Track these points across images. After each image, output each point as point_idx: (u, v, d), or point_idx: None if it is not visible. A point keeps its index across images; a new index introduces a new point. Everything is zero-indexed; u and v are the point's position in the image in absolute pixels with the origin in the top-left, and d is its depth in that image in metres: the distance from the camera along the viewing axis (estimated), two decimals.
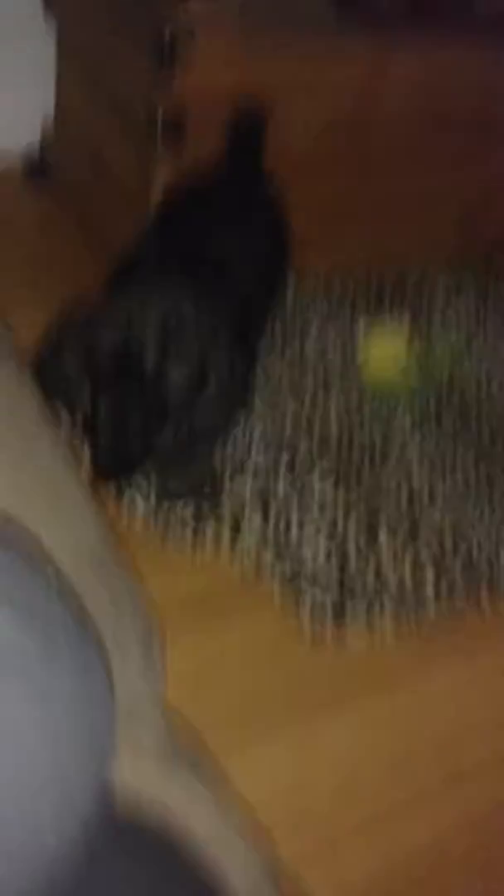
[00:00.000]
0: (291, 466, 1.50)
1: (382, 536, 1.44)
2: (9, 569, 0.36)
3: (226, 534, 1.39)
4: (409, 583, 1.39)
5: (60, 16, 1.81)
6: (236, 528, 1.40)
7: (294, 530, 1.41)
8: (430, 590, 1.39)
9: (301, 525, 1.42)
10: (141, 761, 0.58)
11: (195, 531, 1.38)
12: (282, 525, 1.41)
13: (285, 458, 1.51)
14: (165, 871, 0.45)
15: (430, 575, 1.41)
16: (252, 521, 1.40)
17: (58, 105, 1.96)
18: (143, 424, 1.17)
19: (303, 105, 1.60)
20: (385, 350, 1.72)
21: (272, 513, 1.42)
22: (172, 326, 1.17)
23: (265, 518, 1.41)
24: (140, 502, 1.41)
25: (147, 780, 0.56)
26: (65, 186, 1.96)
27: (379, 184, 1.84)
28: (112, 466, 1.25)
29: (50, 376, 1.17)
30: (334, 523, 1.43)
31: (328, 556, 1.39)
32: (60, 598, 0.38)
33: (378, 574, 1.39)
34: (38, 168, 2.00)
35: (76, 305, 1.25)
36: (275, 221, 1.49)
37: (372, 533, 1.44)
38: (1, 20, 1.86)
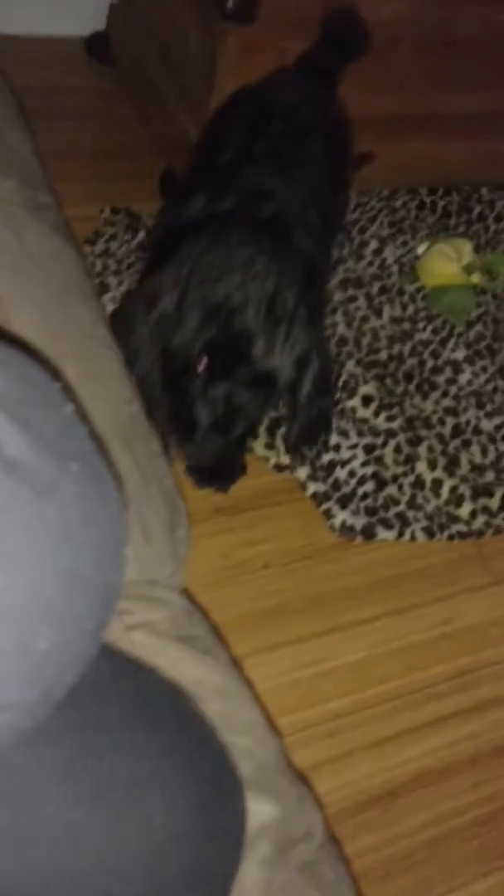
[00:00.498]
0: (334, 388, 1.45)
1: (420, 467, 1.39)
2: (29, 393, 0.33)
3: (260, 448, 1.36)
4: (443, 514, 1.35)
5: None
6: (270, 445, 1.36)
7: (330, 452, 1.37)
8: (462, 525, 1.35)
9: (338, 448, 1.37)
10: (156, 639, 0.56)
11: None
12: (318, 445, 1.36)
13: None
14: (172, 718, 0.43)
15: (466, 508, 1.36)
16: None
17: None
18: (251, 426, 1.06)
19: (382, 2, 1.50)
20: (447, 252, 1.66)
21: None
22: (277, 312, 0.97)
23: None
24: None
25: (161, 657, 0.54)
26: (129, 74, 1.88)
27: (452, 97, 1.74)
28: (216, 476, 1.20)
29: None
30: (371, 448, 1.38)
31: (362, 481, 1.35)
32: (82, 439, 0.35)
33: (412, 505, 1.35)
34: (104, 54, 1.93)
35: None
36: (341, 144, 1.39)
37: (410, 463, 1.39)
38: None
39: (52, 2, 1.90)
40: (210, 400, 0.97)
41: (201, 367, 0.95)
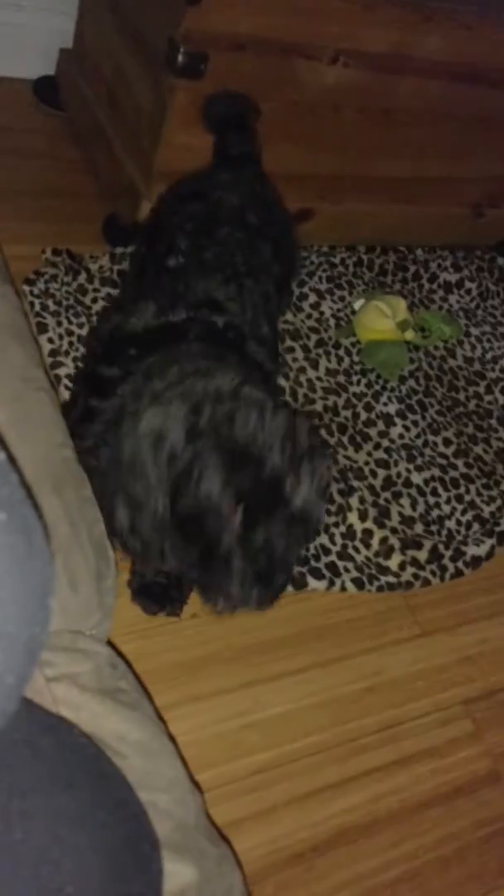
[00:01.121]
0: None
1: (352, 517, 1.41)
2: None
3: None
4: (373, 565, 1.37)
5: None
6: None
7: None
8: (391, 577, 1.37)
9: None
10: (79, 693, 0.55)
11: None
12: None
13: None
14: (90, 779, 0.41)
15: (395, 560, 1.38)
16: None
17: (78, 35, 1.89)
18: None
19: (322, 68, 1.56)
20: (382, 308, 1.71)
21: None
22: (297, 447, 0.88)
23: None
24: None
25: (83, 711, 0.52)
26: (76, 119, 1.90)
27: (391, 162, 1.81)
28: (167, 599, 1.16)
29: None
30: None
31: None
32: (13, 488, 0.34)
33: (342, 555, 1.36)
34: (52, 98, 1.95)
35: None
36: (288, 246, 1.39)
37: (341, 513, 1.41)
38: None
39: (2, 43, 1.91)
40: (250, 549, 0.86)
41: (238, 517, 0.85)
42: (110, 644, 0.66)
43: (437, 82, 1.70)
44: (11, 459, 0.34)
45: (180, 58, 1.42)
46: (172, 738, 0.60)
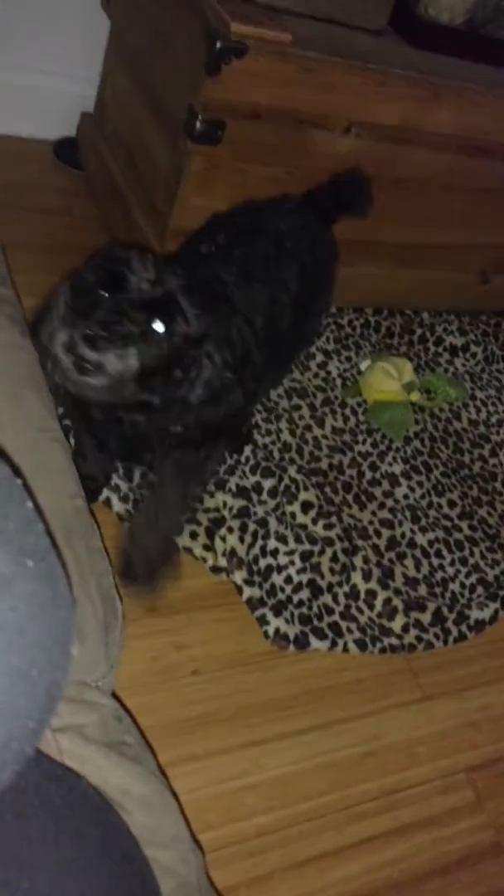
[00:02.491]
0: (274, 493, 1.47)
1: (355, 577, 1.40)
2: None
3: (198, 549, 1.35)
4: (376, 626, 1.36)
5: (117, 13, 1.82)
6: (208, 546, 1.36)
7: (268, 557, 1.37)
8: (394, 639, 1.36)
9: (275, 553, 1.38)
10: (84, 744, 0.54)
11: None
12: (256, 549, 1.37)
13: (269, 483, 1.47)
14: (98, 831, 0.41)
15: (398, 621, 1.37)
16: (227, 540, 1.36)
17: (99, 100, 1.96)
18: None
19: (335, 138, 1.61)
20: (389, 370, 1.73)
21: (248, 535, 1.38)
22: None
23: (241, 540, 1.37)
24: (116, 502, 1.36)
25: (88, 763, 0.52)
26: (94, 178, 1.96)
27: (400, 228, 1.85)
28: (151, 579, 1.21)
29: None
30: (309, 556, 1.39)
31: (298, 588, 1.35)
32: (40, 536, 0.35)
33: (345, 615, 1.35)
34: (71, 158, 2.01)
35: None
36: (320, 277, 1.44)
37: (345, 572, 1.40)
38: (60, 16, 1.89)
39: (26, 106, 1.98)
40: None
41: None
42: (114, 697, 0.66)
43: (446, 154, 1.75)
44: (38, 509, 0.35)
45: (198, 125, 1.47)
46: (175, 795, 0.59)
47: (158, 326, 0.93)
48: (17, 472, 0.36)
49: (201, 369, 1.03)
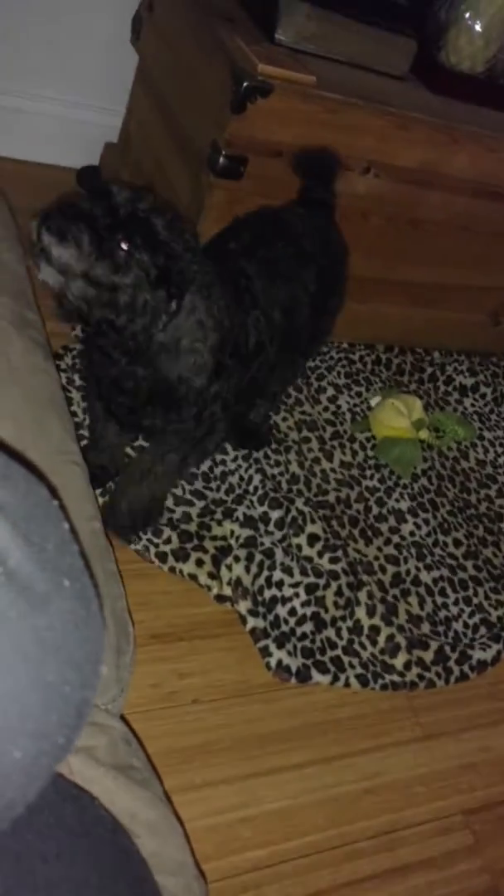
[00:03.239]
0: (281, 524, 1.48)
1: (359, 612, 1.40)
2: (33, 509, 0.34)
3: (203, 577, 1.36)
4: (378, 662, 1.36)
5: (145, 48, 1.87)
6: (214, 575, 1.36)
7: (273, 588, 1.37)
8: (396, 676, 1.36)
9: (280, 584, 1.38)
10: (94, 766, 0.54)
11: (172, 569, 1.35)
12: (262, 580, 1.37)
13: (277, 514, 1.48)
14: (112, 851, 0.41)
15: (401, 659, 1.37)
16: (233, 569, 1.37)
17: (123, 131, 2.00)
18: None
19: (354, 178, 1.64)
20: (398, 407, 1.74)
21: (254, 566, 1.38)
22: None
23: (247, 569, 1.37)
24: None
25: (97, 785, 0.52)
26: None
27: (414, 268, 1.88)
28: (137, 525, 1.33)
29: None
30: (313, 588, 1.39)
31: (302, 620, 1.35)
32: (75, 557, 0.36)
33: (348, 650, 1.35)
34: (95, 188, 2.04)
35: None
36: (333, 274, 1.49)
37: (349, 607, 1.40)
38: (89, 49, 1.94)
39: (52, 134, 2.03)
40: None
41: None
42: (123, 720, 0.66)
43: (462, 198, 1.78)
44: (73, 530, 0.36)
45: (221, 160, 1.51)
46: (181, 821, 0.59)
47: (121, 244, 0.95)
48: (54, 493, 0.37)
49: (176, 316, 1.05)
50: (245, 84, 1.43)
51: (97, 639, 0.34)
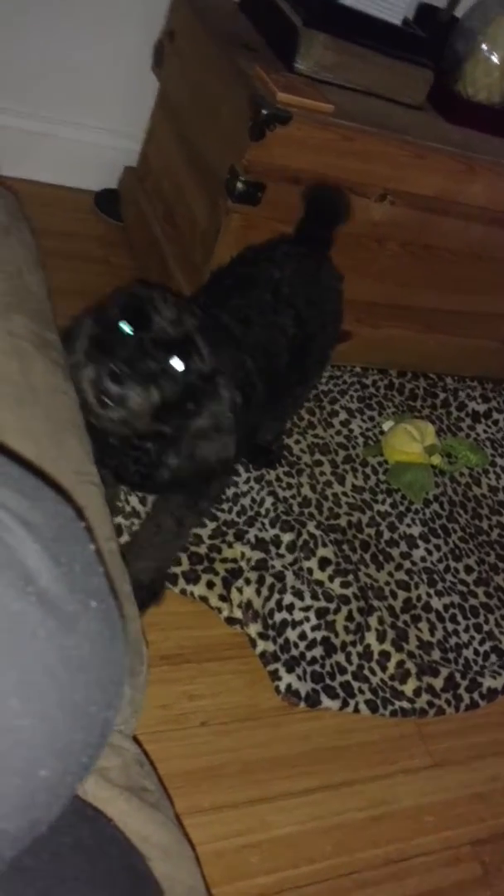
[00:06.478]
0: (293, 547, 1.48)
1: (370, 637, 1.40)
2: (61, 530, 0.34)
3: (214, 599, 1.36)
4: (388, 688, 1.35)
5: (166, 75, 1.90)
6: (224, 597, 1.36)
7: (283, 611, 1.37)
8: (405, 702, 1.35)
9: (291, 608, 1.38)
10: (107, 787, 0.54)
11: (183, 591, 1.35)
12: (272, 603, 1.37)
13: (288, 537, 1.48)
14: (128, 875, 0.41)
15: (411, 685, 1.36)
16: (244, 592, 1.37)
17: (143, 156, 2.03)
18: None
19: (370, 205, 1.66)
20: (411, 432, 1.75)
21: (265, 588, 1.38)
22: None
23: (258, 592, 1.37)
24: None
25: (110, 807, 0.52)
26: (133, 230, 2.02)
27: (428, 294, 1.89)
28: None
29: None
30: (324, 613, 1.39)
31: (312, 645, 1.35)
32: (101, 578, 0.36)
33: (357, 676, 1.35)
34: (112, 209, 2.08)
35: None
36: (321, 323, 1.47)
37: (360, 632, 1.40)
38: (110, 76, 1.97)
39: (72, 157, 2.06)
40: None
41: None
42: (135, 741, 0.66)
43: (477, 225, 1.80)
44: (98, 552, 0.36)
45: (240, 185, 1.52)
46: (192, 844, 0.59)
47: (178, 364, 0.98)
48: (80, 514, 0.37)
49: (210, 402, 1.07)
50: (264, 112, 1.45)
51: (120, 659, 0.35)
